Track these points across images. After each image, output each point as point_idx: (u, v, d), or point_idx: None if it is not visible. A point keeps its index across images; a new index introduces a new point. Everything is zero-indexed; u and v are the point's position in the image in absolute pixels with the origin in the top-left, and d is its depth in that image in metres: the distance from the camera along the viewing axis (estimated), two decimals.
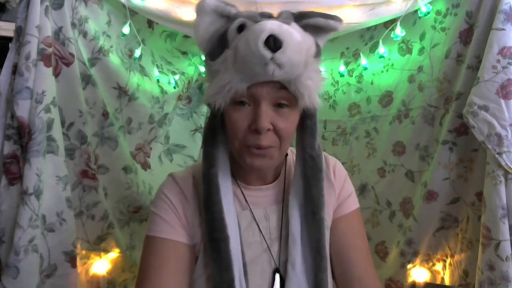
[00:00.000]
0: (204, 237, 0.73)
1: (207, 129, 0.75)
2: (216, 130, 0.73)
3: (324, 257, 0.73)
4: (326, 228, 0.78)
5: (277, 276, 0.74)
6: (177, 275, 0.71)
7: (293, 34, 0.62)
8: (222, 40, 0.67)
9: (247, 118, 0.67)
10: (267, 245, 0.76)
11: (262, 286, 0.74)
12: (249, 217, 0.77)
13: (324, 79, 0.71)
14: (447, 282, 1.20)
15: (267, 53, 0.59)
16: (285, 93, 0.66)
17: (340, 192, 0.83)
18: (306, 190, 0.75)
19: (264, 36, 0.59)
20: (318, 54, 0.70)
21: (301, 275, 0.72)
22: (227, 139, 0.73)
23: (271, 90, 0.65)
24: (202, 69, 1.47)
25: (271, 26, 0.61)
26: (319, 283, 0.72)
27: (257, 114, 0.65)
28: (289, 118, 0.69)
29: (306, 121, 0.74)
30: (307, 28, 0.69)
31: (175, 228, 0.74)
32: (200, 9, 0.67)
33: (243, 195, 0.78)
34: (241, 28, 0.65)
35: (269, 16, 0.69)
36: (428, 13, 1.18)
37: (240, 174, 0.78)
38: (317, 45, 0.70)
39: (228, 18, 0.68)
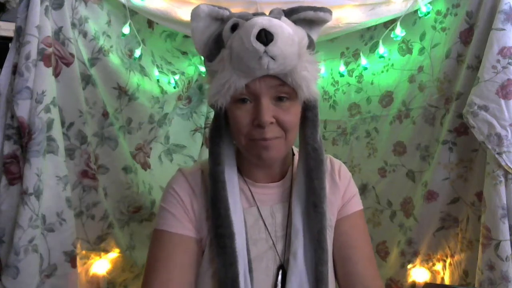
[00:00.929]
0: (210, 232, 0.74)
1: (212, 129, 0.76)
2: (221, 129, 0.74)
3: (325, 250, 0.73)
4: (330, 227, 0.79)
5: (281, 272, 0.75)
6: (184, 268, 0.73)
7: (283, 27, 0.64)
8: (218, 41, 0.69)
9: (249, 114, 0.68)
10: (273, 242, 0.76)
11: (266, 283, 0.74)
12: (255, 214, 0.77)
13: (320, 70, 0.72)
14: (447, 282, 1.19)
15: (260, 46, 0.61)
16: (284, 87, 0.67)
17: (345, 193, 0.83)
18: (308, 182, 0.75)
19: (255, 31, 0.61)
20: (311, 45, 0.71)
21: (302, 266, 0.73)
22: (232, 136, 0.74)
23: (270, 85, 0.66)
24: (202, 69, 1.47)
25: (262, 21, 0.63)
26: (319, 276, 0.72)
27: (258, 109, 0.67)
28: (291, 110, 0.70)
29: (308, 113, 0.75)
30: (298, 22, 0.71)
31: (183, 222, 0.75)
32: (194, 15, 0.69)
33: (250, 192, 0.79)
34: (234, 27, 0.67)
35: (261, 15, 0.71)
36: (428, 13, 1.18)
37: (247, 171, 0.79)
38: (310, 37, 0.71)
39: (222, 20, 0.70)
